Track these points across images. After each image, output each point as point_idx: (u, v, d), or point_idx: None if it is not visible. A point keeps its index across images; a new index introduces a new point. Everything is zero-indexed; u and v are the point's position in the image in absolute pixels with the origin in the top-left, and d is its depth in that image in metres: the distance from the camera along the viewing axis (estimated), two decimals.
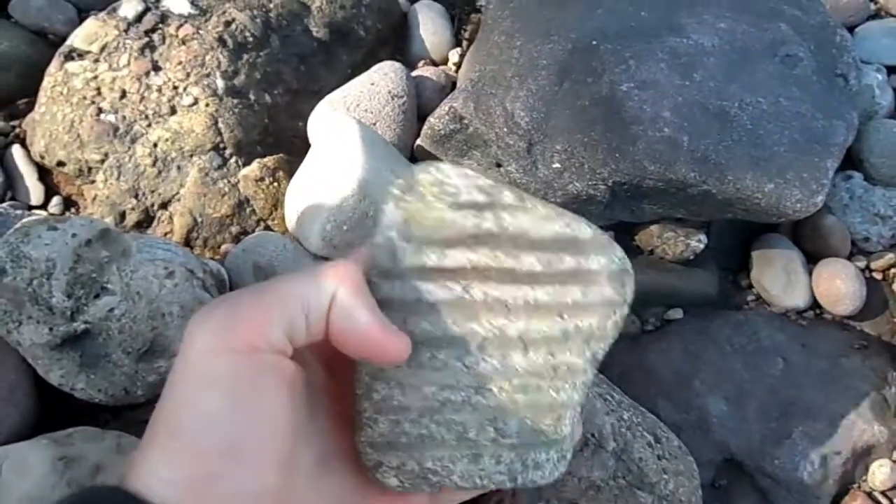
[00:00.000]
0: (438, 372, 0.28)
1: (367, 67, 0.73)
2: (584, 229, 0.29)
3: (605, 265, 0.29)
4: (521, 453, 0.29)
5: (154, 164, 0.65)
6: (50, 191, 0.69)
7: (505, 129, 0.63)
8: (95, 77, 0.66)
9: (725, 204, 0.62)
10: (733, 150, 0.61)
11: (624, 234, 0.68)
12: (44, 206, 0.68)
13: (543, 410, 0.29)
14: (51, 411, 0.56)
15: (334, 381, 0.30)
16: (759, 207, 0.61)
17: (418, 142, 0.69)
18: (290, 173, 0.66)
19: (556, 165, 0.62)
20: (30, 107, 0.70)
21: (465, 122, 0.65)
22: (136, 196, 0.65)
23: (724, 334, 0.65)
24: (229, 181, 0.65)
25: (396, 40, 0.83)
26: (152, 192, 0.65)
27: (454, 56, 0.81)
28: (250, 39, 0.69)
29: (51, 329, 0.52)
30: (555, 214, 0.29)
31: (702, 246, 0.66)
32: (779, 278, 0.69)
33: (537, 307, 0.28)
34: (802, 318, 0.68)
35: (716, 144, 0.61)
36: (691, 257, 0.67)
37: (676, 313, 0.68)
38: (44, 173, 0.69)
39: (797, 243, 0.71)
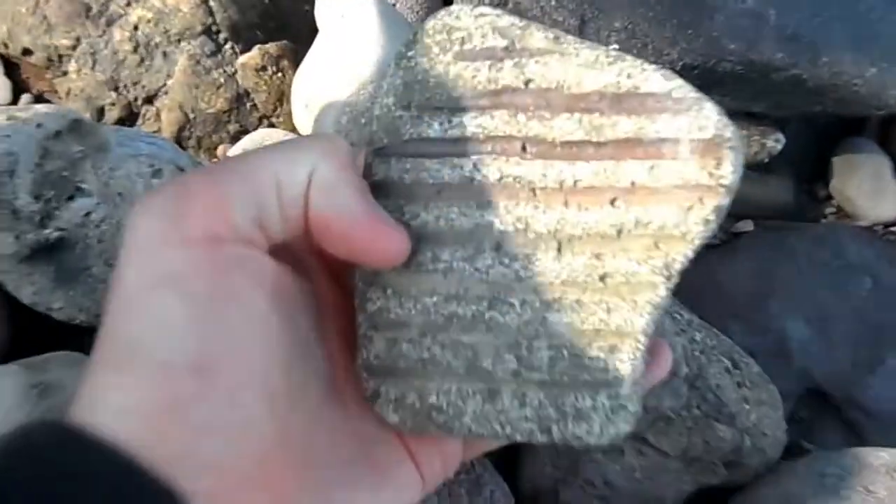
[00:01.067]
0: (442, 277, 0.22)
1: None
2: (654, 79, 0.21)
3: (688, 131, 0.20)
4: (556, 395, 0.22)
5: (135, 51, 0.55)
6: (19, 88, 0.60)
7: (553, 3, 0.53)
8: None
9: (816, 93, 0.52)
10: (830, 27, 0.51)
11: None
12: (13, 105, 0.59)
13: (587, 337, 0.21)
14: (25, 334, 0.48)
15: (344, 294, 0.24)
16: (857, 97, 0.51)
17: None
18: (296, 63, 0.56)
19: (614, 46, 0.52)
20: None
21: None
22: (116, 89, 0.55)
23: (803, 249, 0.56)
24: (225, 71, 0.56)
25: None
26: (135, 83, 0.55)
27: None
28: None
29: (17, 237, 0.44)
30: (605, 60, 0.21)
31: (779, 147, 0.57)
32: (865, 187, 0.60)
33: (577, 191, 0.21)
34: (891, 232, 0.59)
35: (809, 20, 0.51)
36: (766, 160, 0.57)
37: (746, 225, 0.59)
38: (10, 68, 0.60)
39: (885, 147, 0.62)
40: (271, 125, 0.57)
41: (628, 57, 0.21)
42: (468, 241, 0.22)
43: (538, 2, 0.53)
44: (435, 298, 0.22)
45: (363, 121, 0.51)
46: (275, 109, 0.56)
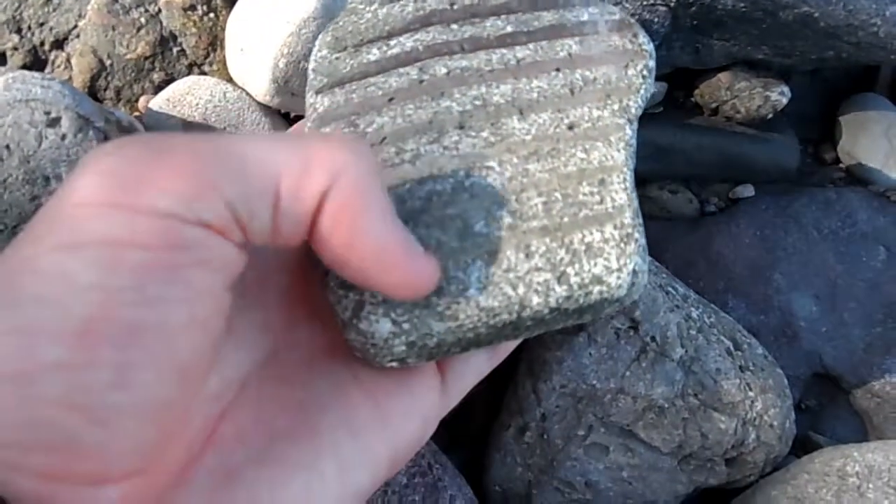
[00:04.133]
0: (411, 166, 0.22)
1: None
2: None
3: (600, 15, 0.25)
4: (561, 237, 0.21)
5: None
6: None
7: None
8: None
9: (828, 35, 0.46)
10: None
11: (680, 89, 0.52)
12: None
13: (574, 178, 0.22)
14: None
15: (288, 259, 0.22)
16: (876, 39, 0.45)
17: None
18: (232, 2, 0.49)
19: None
20: None
21: None
22: (20, 31, 0.47)
23: (810, 216, 0.50)
24: (147, 10, 0.48)
25: None
26: (41, 25, 0.47)
27: None
28: None
29: None
30: None
31: (784, 100, 0.50)
32: (878, 147, 0.54)
33: (522, 66, 0.23)
34: None
35: None
36: (769, 116, 0.50)
37: (746, 190, 0.53)
38: None
39: None
40: (202, 73, 0.49)
41: None
42: (429, 129, 0.22)
43: None
44: (408, 186, 0.21)
45: (305, 65, 0.43)
46: (206, 55, 0.49)
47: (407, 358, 0.21)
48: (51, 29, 0.48)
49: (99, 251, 0.15)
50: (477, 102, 0.23)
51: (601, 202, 0.22)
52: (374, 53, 0.23)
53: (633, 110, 0.23)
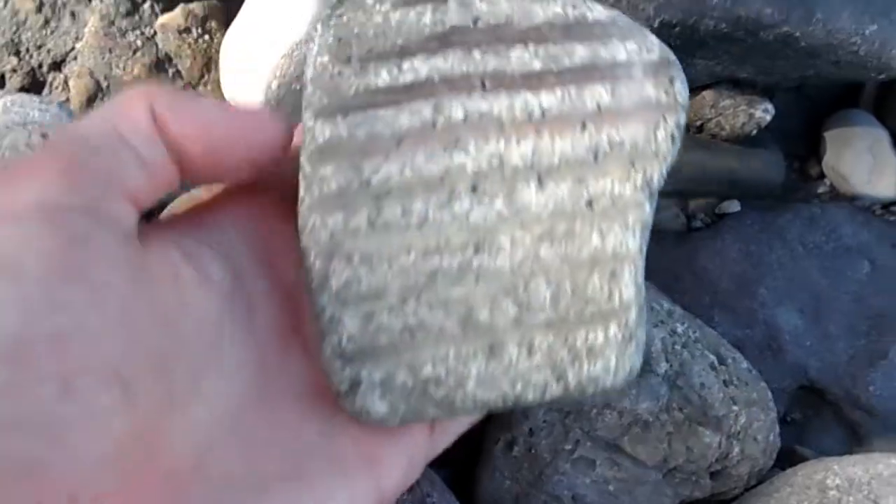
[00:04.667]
0: (417, 231, 0.20)
1: None
2: (597, 9, 0.22)
3: (638, 54, 0.21)
4: (565, 334, 0.20)
5: (39, 10, 0.48)
6: None
7: None
8: None
9: (809, 54, 0.47)
10: None
11: None
12: None
13: (585, 265, 0.21)
14: None
15: (280, 290, 0.22)
16: (856, 58, 0.46)
17: None
18: (226, 24, 0.50)
19: None
20: None
21: None
22: (18, 53, 0.48)
23: (795, 231, 0.51)
24: (143, 33, 0.49)
25: None
26: (39, 47, 0.48)
27: None
28: None
29: None
30: None
31: (768, 117, 0.51)
32: (861, 163, 0.54)
33: (547, 119, 0.21)
34: (890, 212, 0.54)
35: None
36: (754, 132, 0.51)
37: (732, 206, 0.54)
38: None
39: (883, 120, 0.56)
40: (197, 95, 0.50)
41: None
42: (440, 187, 0.20)
43: None
44: (412, 256, 0.20)
45: (296, 86, 0.44)
46: (201, 77, 0.50)
47: (401, 426, 0.21)
48: (49, 51, 0.49)
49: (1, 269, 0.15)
50: (494, 162, 0.21)
51: (609, 298, 0.20)
52: (383, 77, 0.21)
53: (656, 182, 0.21)
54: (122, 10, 0.49)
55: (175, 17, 0.49)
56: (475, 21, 0.21)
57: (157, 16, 0.50)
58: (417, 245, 0.20)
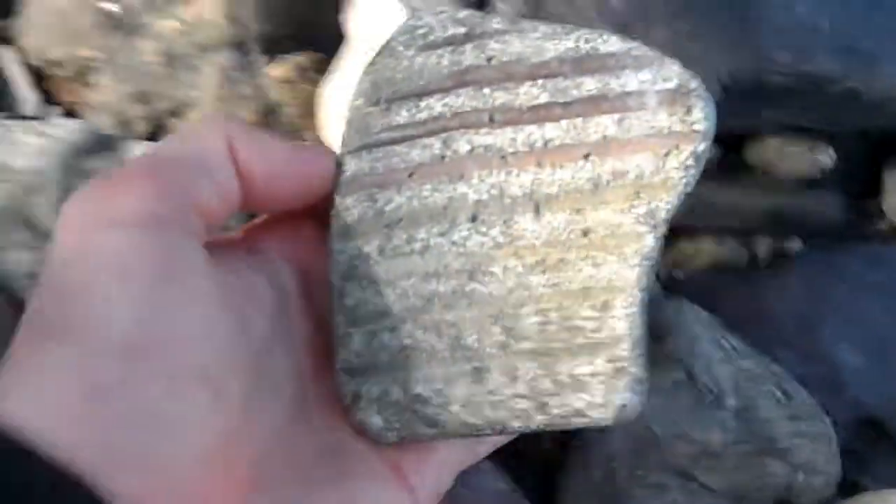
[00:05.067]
0: (419, 257, 0.22)
1: None
2: (612, 41, 0.22)
3: (652, 82, 0.21)
4: (550, 364, 0.20)
5: (163, 63, 0.54)
6: (49, 101, 0.59)
7: (593, 13, 0.51)
8: None
9: (873, 107, 0.49)
10: (888, 37, 0.48)
11: (732, 150, 0.56)
12: (42, 119, 0.59)
13: (576, 296, 0.20)
14: None
15: (316, 310, 0.24)
16: None
17: None
18: (327, 74, 0.55)
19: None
20: None
21: (542, 2, 0.53)
22: (144, 102, 0.54)
23: (857, 270, 0.53)
24: (254, 83, 0.54)
25: None
26: (162, 96, 0.54)
27: None
28: None
29: (37, 256, 0.43)
30: (562, 31, 0.22)
31: (830, 162, 0.54)
32: None
33: (549, 151, 0.21)
34: None
35: (866, 29, 0.48)
36: (817, 176, 0.54)
37: (794, 244, 0.56)
38: (40, 79, 0.59)
39: None
40: (302, 139, 0.55)
41: (585, 28, 0.22)
42: (443, 216, 0.22)
43: (578, 11, 0.51)
44: (412, 280, 0.21)
45: None
46: (305, 123, 0.55)
47: (403, 443, 0.22)
48: (171, 100, 0.55)
49: (109, 268, 0.17)
50: (494, 192, 0.21)
51: (599, 330, 0.20)
52: (403, 115, 0.22)
53: (662, 213, 0.21)
54: (236, 62, 0.54)
55: (282, 68, 0.55)
56: (489, 59, 0.22)
57: (266, 67, 0.56)
58: (418, 270, 0.21)
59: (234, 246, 0.23)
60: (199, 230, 0.19)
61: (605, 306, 0.20)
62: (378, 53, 0.23)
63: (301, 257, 0.23)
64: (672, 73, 0.21)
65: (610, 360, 0.20)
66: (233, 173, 0.21)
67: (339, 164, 0.23)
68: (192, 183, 0.19)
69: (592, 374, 0.20)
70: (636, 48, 0.21)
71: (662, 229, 0.21)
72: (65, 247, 0.18)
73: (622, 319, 0.20)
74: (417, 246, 0.22)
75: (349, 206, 0.22)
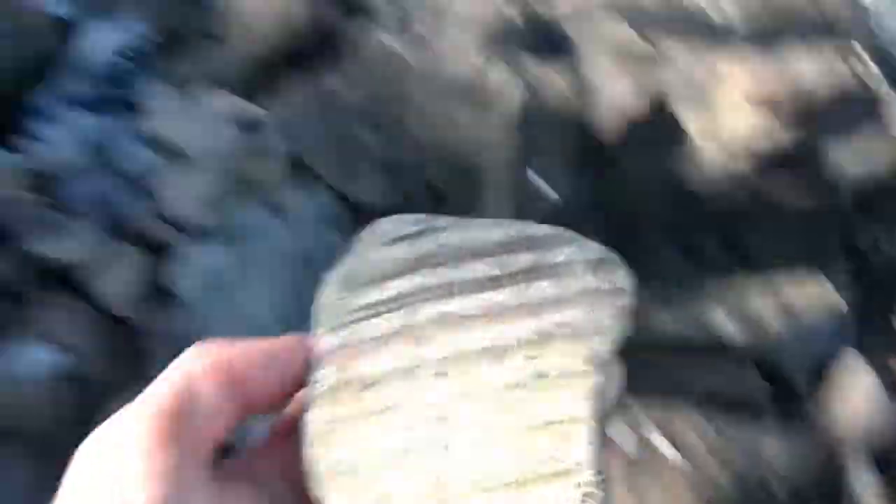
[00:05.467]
0: (392, 413, 0.24)
1: None
2: (542, 228, 0.27)
3: (578, 254, 0.26)
4: (521, 491, 0.23)
5: None
6: None
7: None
8: None
9: None
10: None
11: None
12: None
13: (539, 431, 0.23)
14: None
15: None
16: None
17: None
18: None
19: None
20: None
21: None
22: None
23: None
24: None
25: None
26: None
27: None
28: None
29: None
30: (501, 223, 0.27)
31: None
32: None
33: (498, 312, 0.25)
34: None
35: None
36: None
37: None
38: None
39: None
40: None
41: (520, 222, 0.27)
42: (410, 375, 0.24)
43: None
44: (389, 436, 0.24)
45: None
46: None
47: None
48: None
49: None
50: (453, 350, 0.24)
51: (561, 457, 0.23)
52: (372, 296, 0.26)
53: (603, 353, 0.24)
54: None
55: None
56: (441, 247, 0.26)
57: None
58: (392, 426, 0.24)
59: (237, 468, 0.25)
60: (206, 450, 0.22)
61: (567, 436, 0.23)
62: (345, 254, 0.27)
63: (297, 478, 0.25)
64: (593, 248, 0.26)
65: (576, 487, 0.22)
66: (231, 395, 0.23)
67: (315, 345, 0.25)
68: (197, 410, 0.22)
69: (566, 500, 0.22)
70: (565, 232, 0.26)
71: (609, 368, 0.24)
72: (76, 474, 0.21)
73: (583, 446, 0.23)
74: (389, 403, 0.24)
75: (326, 376, 0.25)
